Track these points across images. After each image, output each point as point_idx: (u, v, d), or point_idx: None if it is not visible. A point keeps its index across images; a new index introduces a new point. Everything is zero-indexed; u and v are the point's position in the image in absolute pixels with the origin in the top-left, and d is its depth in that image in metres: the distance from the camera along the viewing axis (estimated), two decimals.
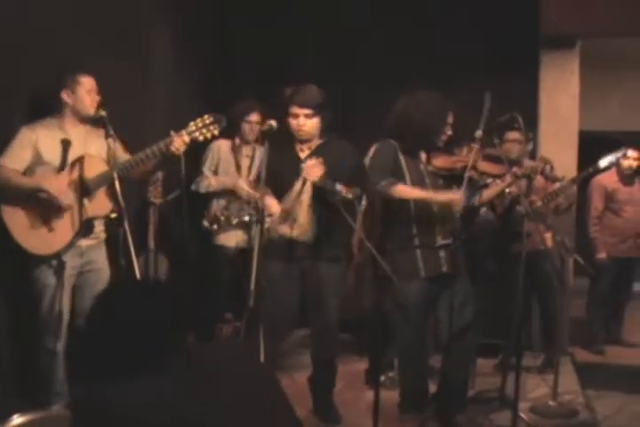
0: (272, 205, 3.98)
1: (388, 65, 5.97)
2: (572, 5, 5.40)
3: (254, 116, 5.27)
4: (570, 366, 5.27)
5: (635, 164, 5.93)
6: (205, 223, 5.27)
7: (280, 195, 3.99)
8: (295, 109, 4.01)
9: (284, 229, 3.91)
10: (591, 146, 6.36)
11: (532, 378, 5.01)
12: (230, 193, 5.27)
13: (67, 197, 3.75)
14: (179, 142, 3.81)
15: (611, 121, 7.81)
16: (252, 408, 1.98)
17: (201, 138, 3.88)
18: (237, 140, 5.35)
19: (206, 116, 3.88)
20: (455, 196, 3.87)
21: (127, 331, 1.92)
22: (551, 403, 4.45)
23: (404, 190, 3.91)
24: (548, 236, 4.92)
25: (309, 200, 3.92)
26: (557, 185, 5.10)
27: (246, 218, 5.21)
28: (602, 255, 5.95)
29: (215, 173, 5.35)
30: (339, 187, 3.91)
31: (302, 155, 4.12)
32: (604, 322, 6.15)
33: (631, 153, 5.92)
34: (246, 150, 5.36)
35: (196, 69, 5.75)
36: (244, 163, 5.34)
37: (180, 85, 5.50)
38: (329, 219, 3.97)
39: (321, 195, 3.91)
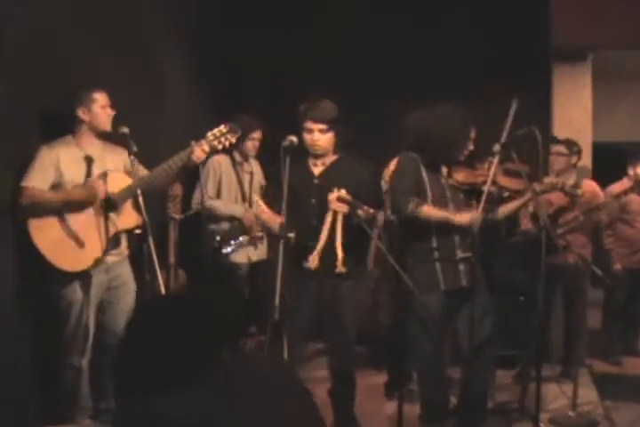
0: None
1: (396, 77, 6.07)
2: (584, 18, 5.48)
3: (257, 134, 5.28)
4: (588, 378, 5.27)
5: None
6: (220, 246, 5.25)
7: (292, 210, 3.94)
8: (309, 124, 4.02)
9: (316, 263, 3.95)
10: (601, 157, 6.43)
11: (551, 389, 5.02)
12: (234, 218, 5.26)
13: (94, 208, 3.82)
14: (199, 152, 3.89)
15: (620, 132, 7.85)
16: (288, 421, 2.02)
17: (220, 147, 3.97)
18: (237, 156, 5.34)
19: (223, 126, 3.96)
20: (474, 216, 3.88)
21: (165, 346, 1.94)
22: (571, 414, 4.46)
23: (429, 211, 3.91)
24: (587, 251, 4.94)
25: (343, 231, 3.95)
26: (601, 199, 5.17)
27: (244, 238, 5.21)
28: (617, 267, 5.96)
29: (218, 190, 5.31)
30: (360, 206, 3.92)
31: (316, 170, 4.13)
32: (619, 333, 6.16)
33: None
34: (246, 166, 5.39)
35: (207, 78, 5.87)
36: (245, 178, 5.36)
37: (191, 95, 5.62)
38: (349, 237, 3.99)
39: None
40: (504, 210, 4.17)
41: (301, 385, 2.23)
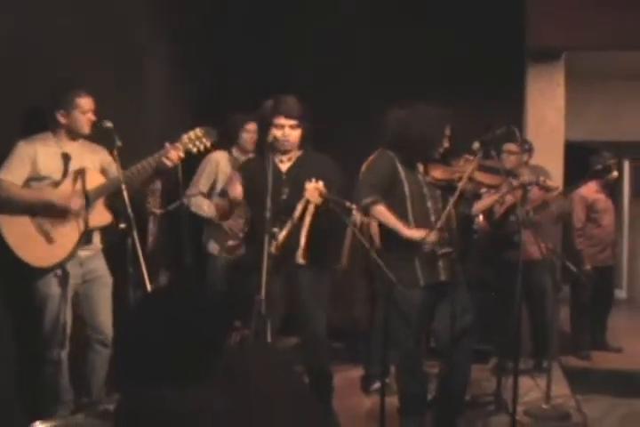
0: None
1: (371, 76, 6.13)
2: (557, 18, 5.57)
3: (252, 126, 5.23)
4: (559, 371, 5.38)
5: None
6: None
7: (263, 207, 3.94)
8: (281, 120, 4.04)
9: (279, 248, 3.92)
10: (572, 156, 6.54)
11: (524, 382, 5.11)
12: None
13: (75, 203, 3.82)
14: (173, 154, 3.88)
15: (590, 131, 7.97)
16: (288, 410, 2.06)
17: (194, 150, 3.97)
18: (235, 151, 5.35)
19: (198, 129, 3.96)
20: (424, 235, 3.88)
21: (166, 339, 1.97)
22: (544, 406, 4.57)
23: (381, 213, 3.95)
24: (542, 245, 5.00)
25: (311, 221, 3.97)
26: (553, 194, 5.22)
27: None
28: (588, 267, 6.04)
29: (212, 188, 5.29)
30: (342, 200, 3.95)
31: (282, 166, 4.15)
32: (588, 328, 6.27)
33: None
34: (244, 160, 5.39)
35: (189, 83, 5.84)
36: None
37: (172, 99, 5.59)
38: (317, 230, 4.02)
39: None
40: (479, 205, 4.25)
41: (298, 375, 2.28)
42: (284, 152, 4.14)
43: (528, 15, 5.79)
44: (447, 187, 4.12)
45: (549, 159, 5.85)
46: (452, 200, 3.92)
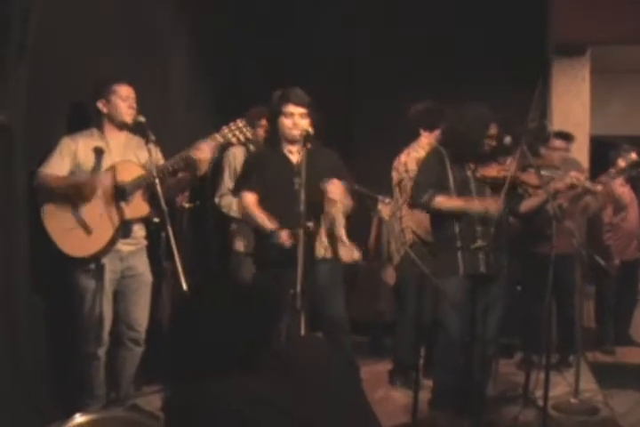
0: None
1: (400, 73, 6.12)
2: (583, 13, 5.56)
3: (265, 121, 5.27)
4: (584, 366, 5.36)
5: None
6: None
7: (274, 199, 4.01)
8: (290, 108, 4.08)
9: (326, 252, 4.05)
10: (594, 150, 6.52)
11: (552, 377, 5.08)
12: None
13: (104, 197, 3.85)
14: (203, 145, 3.88)
15: (613, 125, 7.94)
16: (336, 400, 2.07)
17: (234, 140, 3.96)
18: (252, 147, 5.33)
19: (239, 120, 3.96)
20: (490, 204, 4.03)
21: (217, 330, 1.99)
22: (573, 400, 4.56)
23: (442, 202, 4.09)
24: (573, 239, 5.00)
25: (344, 219, 4.05)
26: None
27: None
28: (617, 261, 6.01)
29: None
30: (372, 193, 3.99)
31: (292, 157, 4.16)
32: (612, 323, 6.25)
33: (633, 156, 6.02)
34: None
35: (211, 81, 5.90)
36: None
37: (195, 89, 5.67)
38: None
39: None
40: (526, 205, 4.30)
41: (347, 366, 2.29)
42: (293, 142, 4.14)
43: (553, 10, 5.78)
44: (496, 184, 4.19)
45: (575, 153, 5.81)
46: (501, 197, 4.02)
